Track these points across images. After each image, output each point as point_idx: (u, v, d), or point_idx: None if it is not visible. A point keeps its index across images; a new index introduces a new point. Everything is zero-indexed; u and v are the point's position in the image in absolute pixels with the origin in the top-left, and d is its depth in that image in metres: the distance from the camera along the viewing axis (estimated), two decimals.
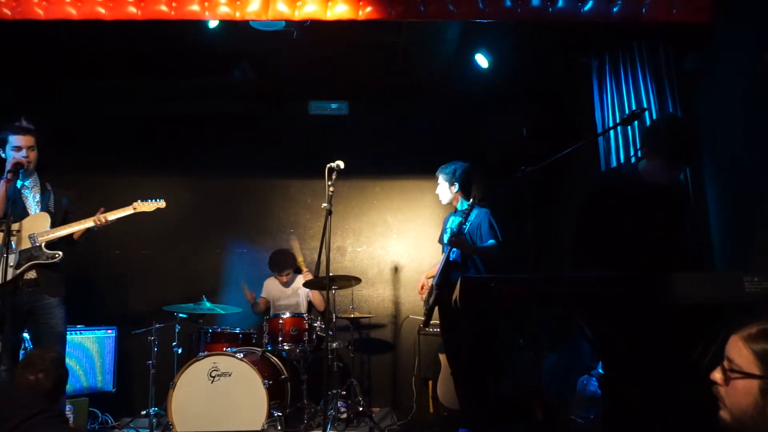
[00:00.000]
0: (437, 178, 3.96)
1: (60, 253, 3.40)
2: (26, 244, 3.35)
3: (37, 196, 3.47)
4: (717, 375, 1.36)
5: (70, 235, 3.50)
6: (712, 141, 3.78)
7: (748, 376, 1.29)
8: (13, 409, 2.46)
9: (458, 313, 3.17)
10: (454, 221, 3.84)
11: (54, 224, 3.45)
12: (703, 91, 3.92)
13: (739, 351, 1.32)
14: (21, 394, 2.53)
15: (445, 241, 3.81)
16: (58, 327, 3.36)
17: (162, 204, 3.79)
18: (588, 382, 3.85)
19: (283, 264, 4.88)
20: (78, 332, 4.50)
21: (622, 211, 2.61)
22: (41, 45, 4.35)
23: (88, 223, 3.47)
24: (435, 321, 3.98)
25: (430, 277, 4.03)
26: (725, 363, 1.35)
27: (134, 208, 3.66)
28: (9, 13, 3.56)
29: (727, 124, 3.65)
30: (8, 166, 3.32)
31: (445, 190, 3.91)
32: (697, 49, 3.94)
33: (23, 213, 3.40)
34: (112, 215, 3.55)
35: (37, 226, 3.40)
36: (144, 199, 3.72)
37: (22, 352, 3.60)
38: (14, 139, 3.38)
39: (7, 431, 2.39)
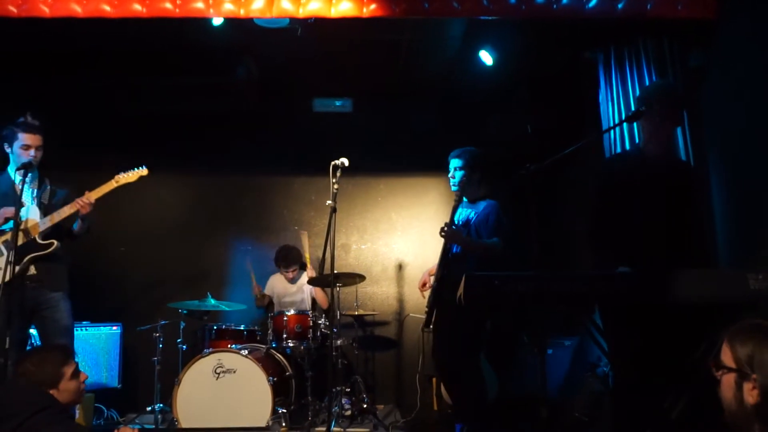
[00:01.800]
0: (450, 163, 3.69)
1: (55, 242, 3.38)
2: (22, 240, 3.34)
3: (35, 191, 3.48)
4: (714, 373, 1.47)
5: (69, 229, 3.50)
6: (716, 137, 3.77)
7: (728, 370, 1.40)
8: (18, 405, 2.48)
9: (457, 310, 3.13)
10: (461, 213, 3.68)
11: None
12: (708, 87, 3.90)
13: (724, 348, 1.44)
14: (25, 390, 2.55)
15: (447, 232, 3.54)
16: (63, 320, 3.37)
17: (144, 171, 3.65)
18: (593, 379, 3.85)
19: (290, 259, 4.89)
20: (83, 329, 4.52)
21: (632, 191, 2.67)
22: (45, 43, 4.37)
23: (72, 208, 3.38)
24: None
25: (433, 275, 3.97)
26: (717, 360, 1.46)
27: (116, 182, 3.56)
28: (15, 10, 3.57)
29: (732, 120, 3.63)
30: (17, 164, 3.35)
31: (462, 176, 3.62)
32: (703, 45, 3.92)
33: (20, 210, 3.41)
34: (95, 194, 3.45)
35: (29, 221, 3.39)
36: (125, 170, 3.63)
37: (28, 348, 3.63)
38: (24, 137, 3.38)
39: (13, 428, 2.41)
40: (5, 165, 3.53)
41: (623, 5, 3.61)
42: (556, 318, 4.36)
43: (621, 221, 2.67)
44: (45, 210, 3.44)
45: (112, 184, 3.53)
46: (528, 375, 4.40)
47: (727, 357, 1.41)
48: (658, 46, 4.00)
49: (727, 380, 1.40)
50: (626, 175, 2.73)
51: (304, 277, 4.95)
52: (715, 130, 3.78)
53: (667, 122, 2.76)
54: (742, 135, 3.52)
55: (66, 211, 3.39)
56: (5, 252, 3.31)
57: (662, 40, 4.00)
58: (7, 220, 3.33)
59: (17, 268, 3.25)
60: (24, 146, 3.38)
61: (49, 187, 3.53)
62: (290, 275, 4.92)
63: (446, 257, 3.57)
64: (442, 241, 3.63)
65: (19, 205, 3.30)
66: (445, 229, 3.47)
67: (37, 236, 3.37)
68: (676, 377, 2.37)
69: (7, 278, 3.19)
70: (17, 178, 3.34)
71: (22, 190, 3.29)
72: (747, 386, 1.35)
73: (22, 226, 3.34)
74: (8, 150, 3.44)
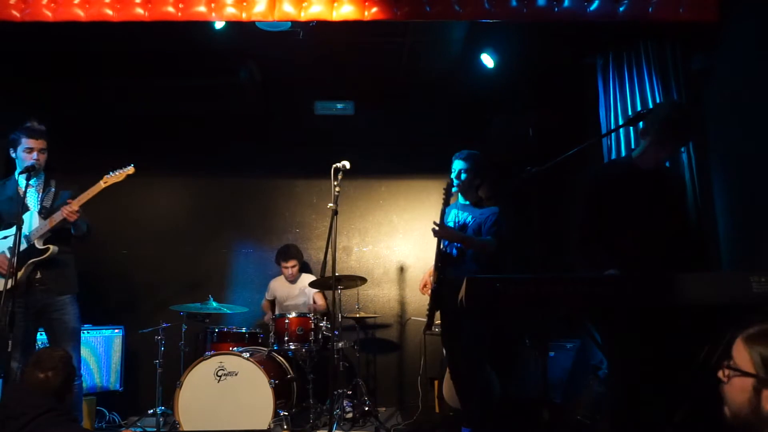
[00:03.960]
0: (454, 163, 3.70)
1: (52, 247, 3.38)
2: (24, 245, 3.35)
3: (39, 195, 3.51)
4: (721, 373, 1.43)
5: (68, 232, 3.48)
6: (719, 140, 3.76)
7: (744, 374, 1.35)
8: (21, 407, 2.49)
9: (459, 313, 3.14)
10: (458, 216, 3.70)
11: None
12: (710, 90, 3.90)
13: (738, 350, 1.39)
14: (30, 392, 2.57)
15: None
16: (71, 323, 3.40)
17: (131, 170, 3.57)
18: (595, 382, 3.84)
19: (289, 254, 4.92)
20: (86, 331, 4.52)
21: (621, 199, 2.70)
22: (50, 46, 4.38)
23: (59, 216, 3.36)
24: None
25: (432, 275, 3.96)
26: (728, 361, 1.41)
27: (105, 182, 3.50)
28: (18, 15, 3.59)
29: (736, 123, 3.63)
30: (20, 169, 3.38)
31: (466, 179, 3.65)
32: (705, 48, 3.92)
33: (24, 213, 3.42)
34: (81, 199, 3.41)
35: (32, 225, 3.41)
36: (112, 170, 3.55)
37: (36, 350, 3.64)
38: (27, 141, 3.42)
39: (16, 429, 2.42)
40: (12, 170, 3.56)
41: (625, 8, 3.62)
42: (558, 320, 4.35)
43: (610, 227, 2.68)
44: (47, 214, 3.45)
45: (100, 186, 3.48)
46: (530, 377, 4.39)
47: (743, 360, 1.36)
48: (660, 50, 4.00)
49: (741, 384, 1.36)
50: (615, 183, 2.75)
51: (305, 280, 4.96)
52: (717, 133, 3.78)
53: (662, 150, 2.75)
54: (745, 138, 3.52)
55: (57, 217, 3.38)
56: (9, 257, 3.32)
57: (664, 44, 4.00)
58: (9, 225, 3.36)
59: (20, 273, 3.27)
60: (27, 149, 3.43)
61: (53, 190, 3.54)
62: (289, 271, 4.91)
63: (442, 258, 3.57)
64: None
65: (23, 209, 3.31)
66: (436, 228, 3.49)
67: (36, 242, 3.38)
68: (676, 381, 2.37)
69: (10, 284, 3.18)
70: (22, 182, 3.37)
71: (25, 193, 3.31)
72: (766, 393, 1.31)
73: (24, 231, 3.34)
74: (14, 155, 3.48)
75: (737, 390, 1.37)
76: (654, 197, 2.71)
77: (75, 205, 3.37)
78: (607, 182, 2.81)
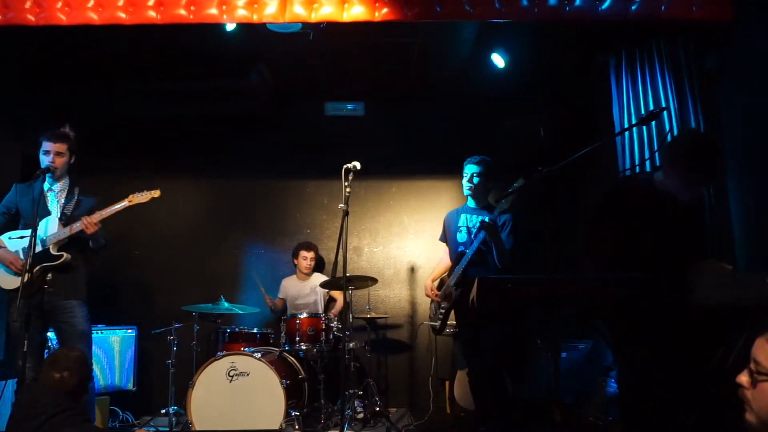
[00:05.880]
0: (466, 168, 3.79)
1: (65, 254, 3.42)
2: (39, 248, 3.38)
3: (62, 200, 3.54)
4: (743, 378, 1.34)
5: (85, 241, 3.53)
6: (733, 141, 3.72)
7: None
8: (37, 407, 2.52)
9: (477, 313, 3.14)
10: (471, 220, 3.77)
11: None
12: (724, 89, 3.85)
13: (766, 354, 1.29)
14: (45, 392, 2.59)
15: (478, 229, 3.64)
16: (80, 326, 3.42)
17: (156, 193, 3.63)
18: (607, 383, 3.82)
19: (309, 244, 5.03)
20: (99, 332, 4.57)
21: (636, 219, 2.60)
22: (59, 50, 4.42)
23: (79, 226, 3.39)
24: (451, 321, 3.93)
25: (435, 280, 4.00)
26: (752, 366, 1.32)
27: (130, 201, 3.54)
28: (33, 19, 3.63)
29: (750, 123, 3.59)
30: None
31: (479, 183, 3.76)
32: (719, 47, 3.88)
33: (44, 216, 3.46)
34: (103, 214, 3.45)
35: (49, 230, 3.45)
36: (139, 190, 3.61)
37: (46, 351, 3.67)
38: (45, 144, 3.48)
39: (32, 429, 2.45)
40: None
41: (637, 7, 3.59)
42: (570, 321, 4.33)
43: (622, 243, 2.62)
44: (67, 221, 3.49)
45: (124, 204, 3.54)
46: (541, 378, 4.37)
47: None
48: (673, 49, 3.96)
49: None
50: (633, 201, 2.65)
51: (317, 279, 4.97)
52: (732, 133, 3.73)
53: (677, 181, 2.57)
54: (760, 138, 3.48)
55: (78, 226, 3.42)
56: (23, 257, 3.36)
57: (677, 42, 3.97)
58: (28, 226, 3.40)
59: (31, 275, 3.27)
60: (44, 152, 3.49)
61: (76, 198, 3.57)
62: (307, 262, 4.94)
63: (465, 260, 3.60)
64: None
65: (42, 212, 3.37)
66: (485, 221, 3.55)
67: (51, 247, 3.42)
68: (690, 383, 2.34)
69: (22, 285, 3.23)
70: (45, 185, 3.43)
71: (42, 194, 3.36)
72: None
73: (41, 235, 3.39)
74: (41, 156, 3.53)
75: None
76: (671, 221, 2.60)
77: (95, 218, 3.41)
78: (624, 198, 2.71)
